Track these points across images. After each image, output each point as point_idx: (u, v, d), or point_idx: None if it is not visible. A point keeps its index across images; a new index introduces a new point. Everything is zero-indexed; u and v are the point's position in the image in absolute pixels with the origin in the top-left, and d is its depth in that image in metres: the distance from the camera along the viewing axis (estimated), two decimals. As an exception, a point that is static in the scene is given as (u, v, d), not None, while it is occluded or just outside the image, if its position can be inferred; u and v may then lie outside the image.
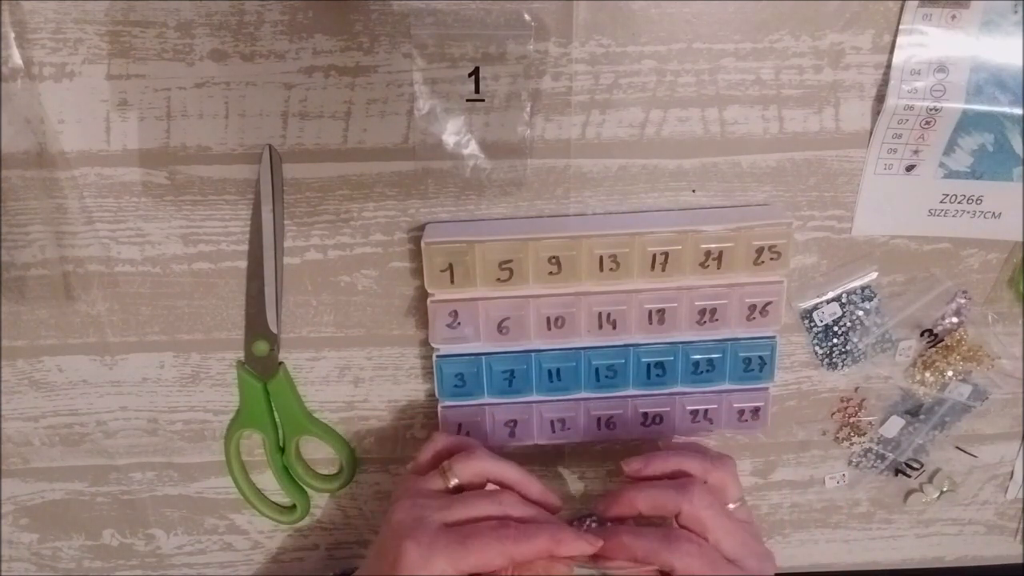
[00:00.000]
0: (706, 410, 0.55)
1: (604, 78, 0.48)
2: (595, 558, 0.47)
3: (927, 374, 0.57)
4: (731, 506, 0.48)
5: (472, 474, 0.47)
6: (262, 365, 0.54)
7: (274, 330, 0.53)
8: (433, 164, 0.50)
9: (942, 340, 0.56)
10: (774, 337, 0.53)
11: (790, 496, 0.61)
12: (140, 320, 0.53)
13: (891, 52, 0.48)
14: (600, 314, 0.51)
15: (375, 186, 0.50)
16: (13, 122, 0.47)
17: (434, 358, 0.53)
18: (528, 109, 0.48)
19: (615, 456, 0.58)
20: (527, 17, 0.46)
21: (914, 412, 0.58)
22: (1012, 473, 0.61)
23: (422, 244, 0.49)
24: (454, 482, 0.47)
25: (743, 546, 0.46)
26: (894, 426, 0.58)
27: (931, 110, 0.48)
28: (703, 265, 0.50)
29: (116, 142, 0.49)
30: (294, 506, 0.58)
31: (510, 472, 0.48)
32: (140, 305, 0.53)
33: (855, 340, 0.55)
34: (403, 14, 0.46)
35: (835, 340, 0.55)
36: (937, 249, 0.54)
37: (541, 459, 0.59)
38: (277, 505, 0.59)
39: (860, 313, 0.55)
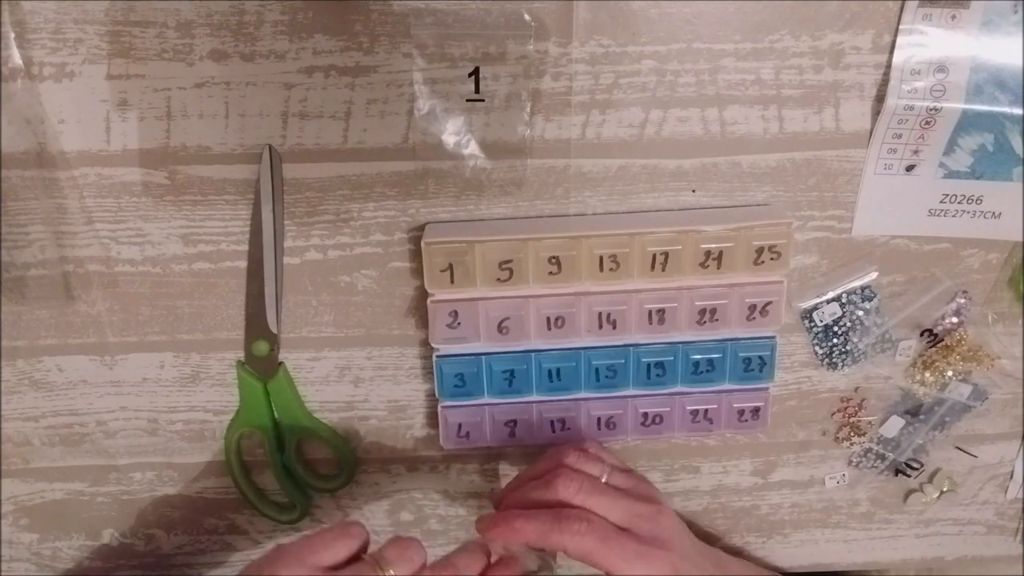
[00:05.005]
0: (706, 410, 0.55)
1: (604, 78, 0.48)
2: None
3: (927, 374, 0.57)
4: (604, 478, 0.49)
5: (414, 565, 0.43)
6: (262, 365, 0.54)
7: (274, 330, 0.53)
8: (433, 164, 0.50)
9: (942, 340, 0.56)
10: (774, 337, 0.53)
11: (790, 496, 0.61)
12: (140, 320, 0.53)
13: (891, 52, 0.48)
14: (600, 314, 0.51)
15: (375, 186, 0.50)
16: (13, 122, 0.47)
17: (434, 358, 0.53)
18: (528, 109, 0.48)
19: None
20: (527, 17, 0.46)
21: (914, 412, 0.58)
22: (1012, 473, 0.61)
23: (422, 244, 0.49)
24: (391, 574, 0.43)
25: (628, 512, 0.47)
26: (894, 426, 0.58)
27: (931, 110, 0.48)
28: (703, 265, 0.50)
29: (116, 142, 0.49)
30: (294, 506, 0.58)
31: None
32: (140, 305, 0.53)
33: (855, 340, 0.55)
34: (403, 14, 0.46)
35: (835, 340, 0.55)
36: (937, 249, 0.54)
37: (541, 459, 0.59)
38: (277, 505, 0.59)
39: (860, 313, 0.55)
